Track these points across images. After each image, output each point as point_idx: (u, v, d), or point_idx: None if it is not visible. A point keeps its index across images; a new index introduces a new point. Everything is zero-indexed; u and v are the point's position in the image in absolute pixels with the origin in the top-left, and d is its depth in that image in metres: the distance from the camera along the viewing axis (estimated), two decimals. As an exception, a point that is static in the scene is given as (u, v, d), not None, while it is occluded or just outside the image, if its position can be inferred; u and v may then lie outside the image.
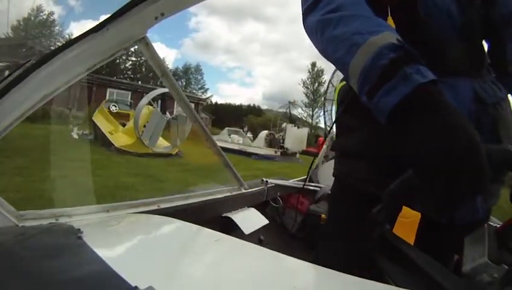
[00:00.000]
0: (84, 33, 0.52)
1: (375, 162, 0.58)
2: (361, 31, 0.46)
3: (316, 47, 0.55)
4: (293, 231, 1.65)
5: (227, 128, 15.10)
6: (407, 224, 0.63)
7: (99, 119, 7.25)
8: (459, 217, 0.53)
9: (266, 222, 1.23)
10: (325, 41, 0.52)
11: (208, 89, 34.37)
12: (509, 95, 0.61)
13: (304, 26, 0.58)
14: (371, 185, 0.58)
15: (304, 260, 0.43)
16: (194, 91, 31.01)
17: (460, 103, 0.53)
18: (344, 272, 0.39)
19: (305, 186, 1.70)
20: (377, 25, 0.47)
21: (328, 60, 0.53)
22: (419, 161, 0.38)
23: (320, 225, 1.44)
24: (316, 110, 31.85)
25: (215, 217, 1.06)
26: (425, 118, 0.39)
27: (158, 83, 19.65)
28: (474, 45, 0.58)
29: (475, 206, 0.54)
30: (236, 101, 52.24)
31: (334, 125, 0.74)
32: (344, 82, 0.72)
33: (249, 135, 16.18)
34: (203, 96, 29.94)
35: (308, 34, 0.57)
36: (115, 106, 9.46)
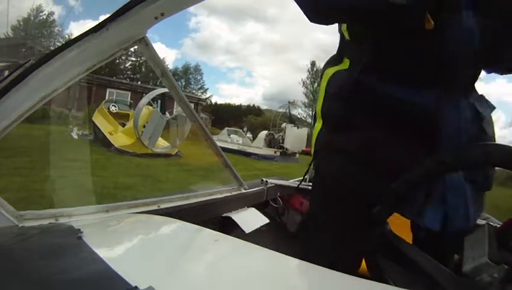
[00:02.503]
0: (84, 33, 0.52)
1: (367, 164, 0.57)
2: None
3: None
4: (293, 231, 1.64)
5: (226, 128, 15.07)
6: (406, 224, 0.63)
7: (99, 120, 7.24)
8: (452, 225, 0.53)
9: (267, 220, 1.23)
10: None
11: (207, 89, 34.34)
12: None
13: None
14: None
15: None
16: (194, 91, 30.97)
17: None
18: None
19: (305, 186, 1.69)
20: None
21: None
22: None
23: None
24: (316, 110, 31.72)
25: (215, 217, 1.06)
26: None
27: (158, 83, 19.64)
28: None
29: (468, 214, 0.54)
30: (236, 101, 52.10)
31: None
32: (336, 68, 0.64)
33: (249, 135, 16.14)
34: (203, 97, 29.95)
35: None
36: (115, 106, 9.42)
